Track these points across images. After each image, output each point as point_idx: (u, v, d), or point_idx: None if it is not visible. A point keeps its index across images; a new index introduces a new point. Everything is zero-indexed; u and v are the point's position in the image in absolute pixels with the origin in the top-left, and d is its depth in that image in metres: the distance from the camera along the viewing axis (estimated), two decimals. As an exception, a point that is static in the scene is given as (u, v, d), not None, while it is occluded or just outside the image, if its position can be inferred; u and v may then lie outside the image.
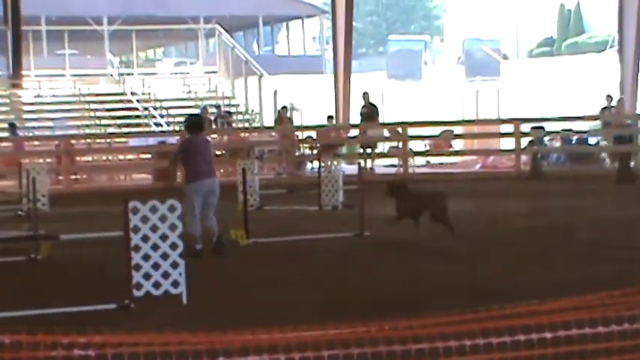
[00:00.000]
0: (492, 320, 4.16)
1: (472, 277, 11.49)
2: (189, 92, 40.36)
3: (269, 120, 35.78)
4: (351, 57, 35.25)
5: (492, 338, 3.98)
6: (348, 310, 9.50)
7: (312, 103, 39.58)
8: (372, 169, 28.66)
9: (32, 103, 37.51)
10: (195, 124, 14.38)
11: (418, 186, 16.73)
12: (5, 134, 30.52)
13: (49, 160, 27.32)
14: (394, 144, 29.93)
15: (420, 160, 30.32)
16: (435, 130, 30.26)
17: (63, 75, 42.70)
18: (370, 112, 30.90)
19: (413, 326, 3.79)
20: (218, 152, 30.25)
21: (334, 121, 32.70)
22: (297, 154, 29.70)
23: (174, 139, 28.21)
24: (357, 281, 11.49)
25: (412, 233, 14.59)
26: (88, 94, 38.12)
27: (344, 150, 30.36)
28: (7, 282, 12.01)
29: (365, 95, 31.19)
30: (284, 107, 32.47)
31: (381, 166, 29.87)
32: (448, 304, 7.37)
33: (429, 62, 71.70)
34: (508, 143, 28.85)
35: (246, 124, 36.21)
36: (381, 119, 32.26)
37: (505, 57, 65.65)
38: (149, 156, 28.96)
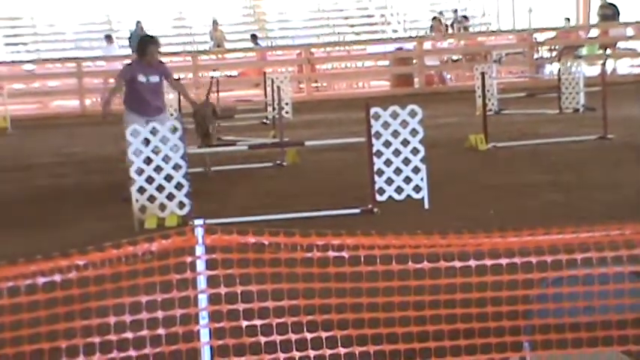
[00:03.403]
0: None
1: None
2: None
3: (506, 23, 35.07)
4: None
5: None
6: (595, 213, 9.36)
7: (549, 3, 38.41)
8: (614, 70, 27.67)
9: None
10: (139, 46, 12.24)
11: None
12: (249, 45, 31.46)
13: (290, 69, 28.02)
14: (638, 43, 28.72)
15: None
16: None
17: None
18: (610, 12, 29.71)
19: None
20: (455, 57, 30.07)
21: (570, 23, 31.67)
22: (535, 56, 29.05)
23: (411, 46, 28.23)
24: (599, 184, 11.26)
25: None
26: (326, 3, 38.53)
27: (584, 51, 29.42)
28: (258, 187, 12.56)
29: (602, -3, 30.09)
30: (434, 18, 31.82)
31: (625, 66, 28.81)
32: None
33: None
34: None
35: (483, 28, 35.66)
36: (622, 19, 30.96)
37: None
38: (387, 62, 29.11)
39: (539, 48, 29.48)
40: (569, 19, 31.86)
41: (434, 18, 32.17)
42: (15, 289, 3.74)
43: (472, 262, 3.85)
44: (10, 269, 3.72)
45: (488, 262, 3.85)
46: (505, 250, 3.81)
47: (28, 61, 30.75)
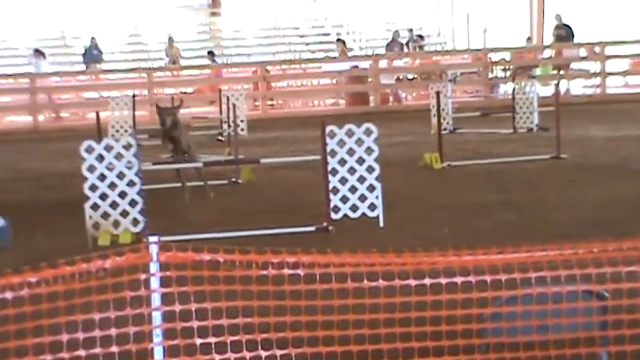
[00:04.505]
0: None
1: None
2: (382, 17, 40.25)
3: (461, 43, 35.34)
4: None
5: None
6: (548, 232, 9.44)
7: (504, 24, 38.78)
8: (568, 90, 27.98)
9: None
10: None
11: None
12: (205, 62, 31.39)
13: (246, 86, 28.00)
14: (591, 64, 29.08)
15: (617, 81, 29.39)
16: (636, 49, 29.18)
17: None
18: (564, 33, 30.10)
19: (622, 248, 3.79)
20: (410, 76, 30.22)
21: (533, 42, 32.05)
22: (490, 76, 29.29)
23: (366, 64, 28.34)
24: (553, 203, 11.36)
25: (611, 155, 14.26)
26: (282, 21, 38.61)
27: (538, 71, 29.71)
28: (212, 204, 12.50)
29: (557, 17, 30.42)
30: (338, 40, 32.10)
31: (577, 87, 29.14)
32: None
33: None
34: None
35: (439, 47, 35.90)
36: (576, 40, 31.36)
37: None
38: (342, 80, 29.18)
39: (494, 67, 29.73)
40: (530, 39, 32.20)
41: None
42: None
43: (427, 281, 3.87)
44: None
45: (443, 281, 3.87)
46: (460, 268, 3.83)
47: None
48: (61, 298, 3.85)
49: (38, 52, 29.27)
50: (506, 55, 29.92)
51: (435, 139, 15.28)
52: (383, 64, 28.78)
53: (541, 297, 3.84)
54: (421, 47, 33.12)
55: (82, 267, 3.85)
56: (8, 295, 3.75)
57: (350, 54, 32.77)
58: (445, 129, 18.26)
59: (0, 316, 3.77)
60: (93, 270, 3.89)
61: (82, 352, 3.94)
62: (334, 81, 29.72)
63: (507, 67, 29.50)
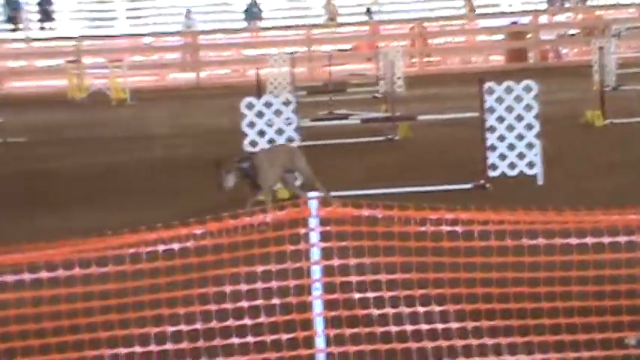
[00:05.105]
0: None
1: None
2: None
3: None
4: None
5: None
6: None
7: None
8: None
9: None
10: None
11: None
12: (362, 19, 31.38)
13: (403, 43, 27.88)
14: None
15: None
16: None
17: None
18: None
19: None
20: (572, 31, 29.47)
21: None
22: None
23: (526, 20, 27.80)
24: None
25: None
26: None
27: None
28: (369, 161, 12.57)
29: None
30: None
31: None
32: None
33: None
34: None
35: (602, 2, 34.83)
36: None
37: None
38: (501, 37, 28.73)
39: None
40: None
41: None
42: (136, 256, 3.86)
43: (589, 240, 3.81)
44: (130, 237, 3.83)
45: (606, 240, 3.80)
46: (624, 227, 3.75)
47: (146, 34, 31.27)
48: (225, 250, 3.96)
49: (189, 12, 30.04)
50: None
51: (596, 96, 14.86)
52: (543, 19, 28.15)
53: None
54: (583, 1, 32.20)
55: (245, 221, 3.95)
56: (175, 246, 3.89)
57: (510, 9, 32.18)
58: (608, 86, 17.73)
59: (168, 267, 3.92)
60: (255, 224, 3.99)
61: (244, 304, 4.06)
62: (492, 37, 29.28)
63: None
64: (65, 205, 10.41)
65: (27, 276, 3.87)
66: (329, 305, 4.08)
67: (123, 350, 4.01)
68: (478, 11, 33.70)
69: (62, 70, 26.09)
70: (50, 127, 18.79)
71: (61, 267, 3.85)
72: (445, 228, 4.02)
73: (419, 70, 26.64)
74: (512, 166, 10.45)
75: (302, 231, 4.03)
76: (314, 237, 4.05)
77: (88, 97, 24.09)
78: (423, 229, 4.03)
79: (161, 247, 3.87)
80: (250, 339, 4.03)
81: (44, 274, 3.86)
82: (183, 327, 4.00)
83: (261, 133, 10.44)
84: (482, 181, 10.31)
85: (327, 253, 4.07)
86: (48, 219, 9.75)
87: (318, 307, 4.06)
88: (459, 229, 4.02)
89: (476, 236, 3.99)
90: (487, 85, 10.36)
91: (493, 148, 10.42)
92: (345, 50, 29.15)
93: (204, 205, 8.55)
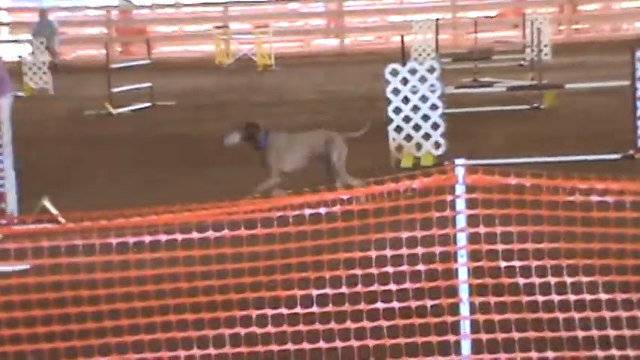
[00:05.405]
0: None
1: None
2: None
3: None
4: None
5: None
6: None
7: None
8: None
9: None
10: None
11: None
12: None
13: (551, 9, 27.33)
14: None
15: None
16: None
17: None
18: None
19: None
20: None
21: None
22: None
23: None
24: None
25: None
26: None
27: None
28: (513, 129, 12.41)
29: None
30: None
31: None
32: None
33: None
34: None
35: None
36: None
37: None
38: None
39: None
40: None
41: None
42: (284, 219, 3.93)
43: None
44: (294, 198, 3.91)
45: None
46: None
47: (292, 0, 31.52)
48: (371, 216, 4.00)
49: None
50: None
51: None
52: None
53: None
54: None
55: (392, 186, 3.97)
56: (322, 210, 3.95)
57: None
58: None
59: (314, 231, 3.98)
60: (401, 190, 4.00)
61: (389, 269, 4.09)
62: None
63: None
64: (213, 166, 10.65)
65: (178, 236, 4.00)
66: (474, 273, 4.08)
67: (270, 312, 4.11)
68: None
69: (210, 35, 26.56)
70: (198, 91, 19.21)
71: (210, 228, 3.96)
72: (595, 198, 3.96)
73: (566, 38, 26.10)
74: (663, 136, 10.16)
75: (448, 198, 4.03)
76: (460, 204, 4.04)
77: (235, 62, 24.52)
78: (571, 198, 3.97)
79: (307, 211, 3.93)
80: (395, 304, 4.07)
81: (195, 235, 3.98)
82: (329, 290, 4.06)
83: (406, 100, 10.43)
84: (631, 152, 10.07)
85: (473, 221, 4.05)
86: (197, 179, 10.03)
87: (463, 274, 4.05)
88: (609, 199, 3.95)
89: (627, 207, 3.91)
90: (638, 53, 10.08)
91: (645, 117, 10.16)
92: (491, 17, 28.75)
93: (348, 169, 8.59)
